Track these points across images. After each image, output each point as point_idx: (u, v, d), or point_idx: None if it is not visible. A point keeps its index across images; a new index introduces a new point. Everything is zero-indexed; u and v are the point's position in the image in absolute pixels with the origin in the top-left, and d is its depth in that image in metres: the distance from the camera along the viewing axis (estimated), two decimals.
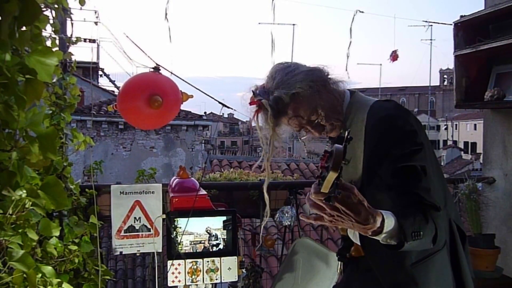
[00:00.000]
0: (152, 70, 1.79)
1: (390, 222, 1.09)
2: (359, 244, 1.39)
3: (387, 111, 1.31)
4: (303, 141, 1.49)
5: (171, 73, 1.83)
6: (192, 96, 1.83)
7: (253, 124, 1.38)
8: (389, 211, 1.11)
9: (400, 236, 1.10)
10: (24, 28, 1.07)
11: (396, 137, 1.24)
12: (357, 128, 1.33)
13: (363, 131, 1.32)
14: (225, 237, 1.88)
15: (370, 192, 1.28)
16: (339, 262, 1.56)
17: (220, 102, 1.87)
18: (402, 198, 1.19)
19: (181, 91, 1.80)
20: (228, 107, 1.93)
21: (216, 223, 1.88)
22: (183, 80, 1.93)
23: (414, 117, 1.33)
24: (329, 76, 1.39)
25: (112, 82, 16.39)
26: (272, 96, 1.33)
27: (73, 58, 2.17)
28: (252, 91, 1.37)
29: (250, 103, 1.37)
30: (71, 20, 2.16)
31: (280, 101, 1.32)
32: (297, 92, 1.32)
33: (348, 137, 0.99)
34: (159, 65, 1.77)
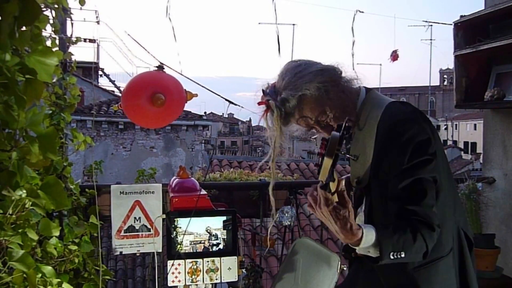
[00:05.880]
0: (156, 68, 1.78)
1: (369, 239, 1.14)
2: None
3: (403, 115, 1.29)
4: (313, 140, 1.51)
5: (178, 72, 1.83)
6: (196, 95, 1.82)
7: (262, 123, 1.39)
8: (372, 227, 1.15)
9: (377, 252, 1.15)
10: (24, 28, 1.07)
11: (409, 146, 1.23)
12: (369, 125, 1.32)
13: (375, 129, 1.30)
14: (225, 237, 1.88)
15: (376, 190, 1.29)
16: (339, 262, 1.56)
17: (227, 99, 1.88)
18: (400, 212, 1.20)
19: (185, 89, 1.79)
20: (236, 104, 1.93)
21: (216, 223, 1.88)
22: (189, 78, 1.93)
23: (429, 121, 1.32)
24: (342, 75, 1.38)
25: (112, 82, 16.42)
26: (280, 97, 1.33)
27: (73, 58, 2.17)
28: (263, 90, 1.38)
29: (259, 103, 1.38)
30: (71, 20, 2.16)
31: (287, 102, 1.33)
32: (303, 94, 1.31)
33: (347, 125, 1.01)
34: (163, 64, 1.76)
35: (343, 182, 1.09)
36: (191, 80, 1.94)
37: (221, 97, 1.94)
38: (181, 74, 1.86)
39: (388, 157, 1.26)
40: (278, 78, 1.38)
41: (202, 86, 1.90)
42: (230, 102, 1.88)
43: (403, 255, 1.15)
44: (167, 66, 1.77)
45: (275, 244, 2.66)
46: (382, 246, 1.13)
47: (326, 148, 1.01)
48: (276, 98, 1.34)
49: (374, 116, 1.32)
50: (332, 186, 1.08)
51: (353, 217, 1.12)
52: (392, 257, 1.14)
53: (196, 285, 1.85)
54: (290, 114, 1.35)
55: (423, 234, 1.16)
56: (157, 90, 1.67)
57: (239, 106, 1.97)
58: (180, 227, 1.83)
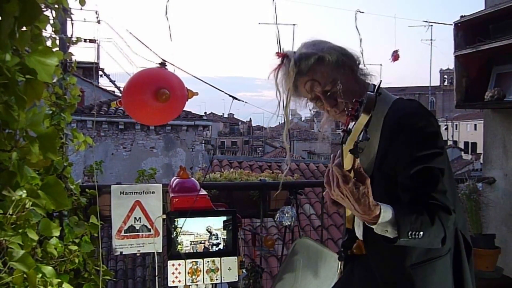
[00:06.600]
0: (158, 65, 1.78)
1: (386, 216, 1.11)
2: (361, 239, 1.38)
3: (411, 109, 1.30)
4: (313, 111, 1.50)
5: (184, 70, 1.83)
6: (197, 94, 1.82)
7: (271, 77, 1.38)
8: (389, 205, 1.13)
9: (395, 231, 1.12)
10: (24, 28, 1.07)
11: (418, 137, 1.23)
12: (375, 118, 1.29)
13: (381, 122, 1.31)
14: (225, 237, 1.88)
15: (380, 182, 1.29)
16: (339, 262, 1.55)
17: (230, 95, 1.88)
18: (415, 199, 1.19)
19: (186, 88, 1.79)
20: (239, 100, 1.93)
21: (216, 223, 1.88)
22: (194, 76, 1.93)
23: (435, 117, 1.32)
24: (360, 66, 1.41)
25: (112, 82, 16.42)
26: (300, 52, 1.35)
27: (74, 58, 2.17)
28: (283, 48, 1.39)
29: (277, 53, 1.37)
30: (71, 20, 2.16)
31: (304, 58, 1.34)
32: (323, 56, 1.33)
33: (378, 85, 1.01)
34: (165, 61, 1.77)
35: (358, 159, 1.07)
36: (197, 78, 1.94)
37: (225, 92, 1.94)
38: (186, 72, 1.86)
39: (395, 149, 1.26)
40: (300, 46, 1.39)
41: (205, 82, 1.90)
42: (234, 98, 1.88)
43: (421, 235, 1.12)
44: (170, 63, 1.77)
45: (275, 244, 2.66)
46: (400, 224, 1.11)
47: (363, 105, 0.98)
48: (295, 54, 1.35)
49: (381, 110, 1.32)
50: (349, 163, 1.05)
51: (371, 193, 1.09)
52: (410, 236, 1.11)
53: (196, 285, 1.85)
54: (302, 72, 1.35)
55: (441, 218, 1.15)
56: (162, 85, 1.66)
57: (243, 101, 1.98)
58: (181, 227, 1.83)
